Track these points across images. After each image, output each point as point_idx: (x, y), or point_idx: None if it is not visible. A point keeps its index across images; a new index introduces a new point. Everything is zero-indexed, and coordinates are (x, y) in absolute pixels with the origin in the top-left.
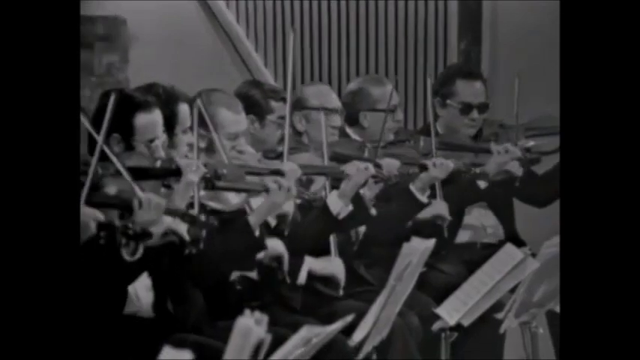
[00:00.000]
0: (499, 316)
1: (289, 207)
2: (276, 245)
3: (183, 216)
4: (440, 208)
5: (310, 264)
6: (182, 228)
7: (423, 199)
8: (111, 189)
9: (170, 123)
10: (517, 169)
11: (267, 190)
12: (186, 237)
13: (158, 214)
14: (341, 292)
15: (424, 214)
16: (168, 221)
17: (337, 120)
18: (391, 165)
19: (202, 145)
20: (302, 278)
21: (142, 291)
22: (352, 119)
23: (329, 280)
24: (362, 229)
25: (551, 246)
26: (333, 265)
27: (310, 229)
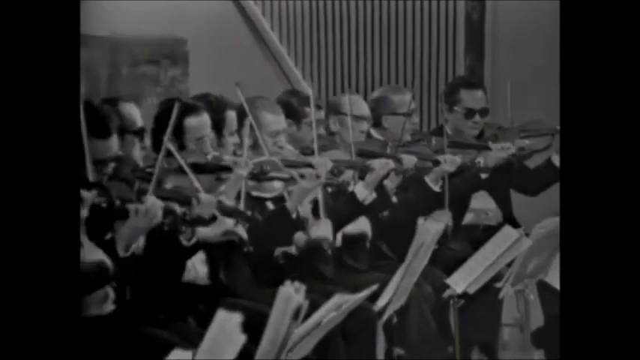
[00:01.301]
0: (498, 285)
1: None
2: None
3: (240, 214)
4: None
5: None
6: (241, 230)
7: (436, 188)
8: (170, 184)
9: (219, 126)
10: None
11: (301, 176)
12: (246, 238)
13: (212, 210)
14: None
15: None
16: (230, 223)
17: (365, 125)
18: (409, 160)
19: (248, 142)
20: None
21: (198, 263)
22: (376, 122)
23: (357, 256)
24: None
25: (542, 227)
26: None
27: (341, 212)
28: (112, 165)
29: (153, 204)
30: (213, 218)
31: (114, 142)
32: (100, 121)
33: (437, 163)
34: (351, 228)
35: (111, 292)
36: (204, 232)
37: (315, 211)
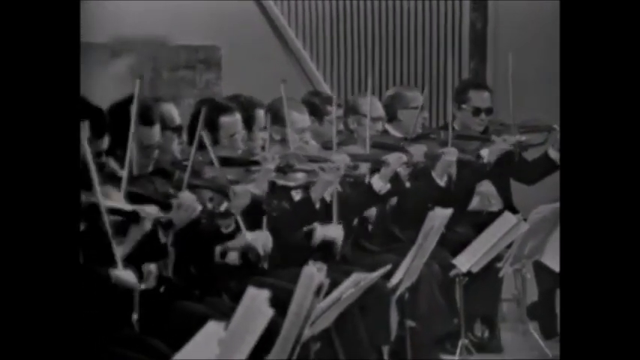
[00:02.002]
0: (499, 264)
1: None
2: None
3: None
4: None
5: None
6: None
7: (441, 183)
8: (208, 174)
9: (249, 124)
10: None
11: (322, 169)
12: (262, 253)
13: (246, 201)
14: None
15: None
16: (249, 237)
17: (380, 125)
18: (418, 150)
19: (278, 137)
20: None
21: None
22: (391, 116)
23: (372, 239)
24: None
25: (538, 213)
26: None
27: (358, 201)
28: (156, 151)
29: (187, 198)
30: (237, 230)
31: (157, 130)
32: (146, 111)
33: (440, 156)
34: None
35: (153, 269)
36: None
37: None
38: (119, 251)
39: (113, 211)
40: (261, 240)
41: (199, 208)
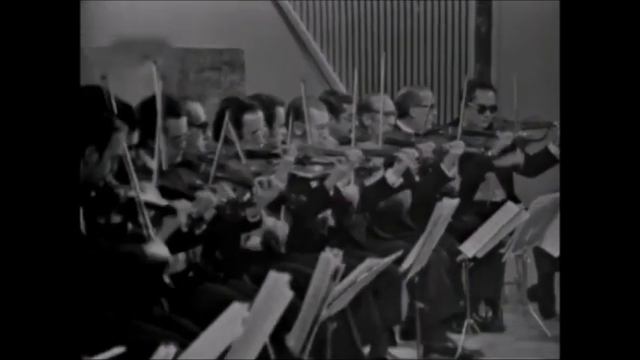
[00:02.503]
0: (502, 250)
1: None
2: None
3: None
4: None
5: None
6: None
7: (450, 174)
8: (232, 168)
9: (270, 121)
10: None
11: (340, 161)
12: (281, 238)
13: (275, 195)
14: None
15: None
16: (271, 223)
17: (392, 119)
18: (427, 146)
19: (298, 133)
20: None
21: (253, 234)
22: (403, 113)
23: (385, 227)
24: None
25: (538, 203)
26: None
27: (373, 193)
28: (184, 142)
29: (206, 196)
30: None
31: (184, 122)
32: (173, 105)
33: (448, 150)
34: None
35: (181, 255)
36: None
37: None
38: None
39: (149, 205)
40: (279, 227)
41: (215, 202)
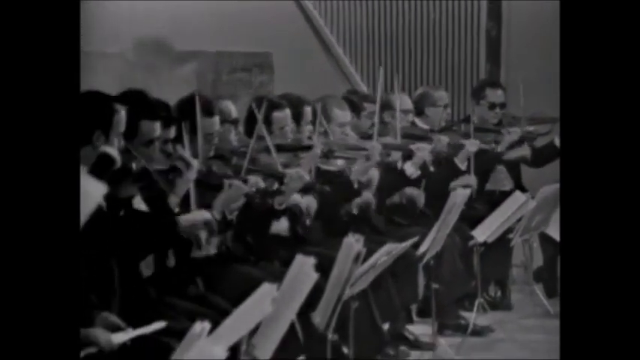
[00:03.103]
0: (510, 236)
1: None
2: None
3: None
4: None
5: None
6: (309, 202)
7: (463, 167)
8: (262, 161)
9: (297, 118)
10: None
11: (367, 158)
12: (304, 211)
13: (301, 184)
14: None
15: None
16: (297, 198)
17: (410, 116)
18: (442, 140)
19: (322, 129)
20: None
21: (282, 220)
22: (419, 112)
23: (404, 214)
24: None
25: (543, 192)
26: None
27: (392, 184)
28: (216, 139)
29: (237, 185)
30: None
31: (216, 120)
32: (208, 105)
33: (462, 146)
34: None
35: (214, 240)
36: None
37: None
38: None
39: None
40: (306, 201)
41: (245, 191)
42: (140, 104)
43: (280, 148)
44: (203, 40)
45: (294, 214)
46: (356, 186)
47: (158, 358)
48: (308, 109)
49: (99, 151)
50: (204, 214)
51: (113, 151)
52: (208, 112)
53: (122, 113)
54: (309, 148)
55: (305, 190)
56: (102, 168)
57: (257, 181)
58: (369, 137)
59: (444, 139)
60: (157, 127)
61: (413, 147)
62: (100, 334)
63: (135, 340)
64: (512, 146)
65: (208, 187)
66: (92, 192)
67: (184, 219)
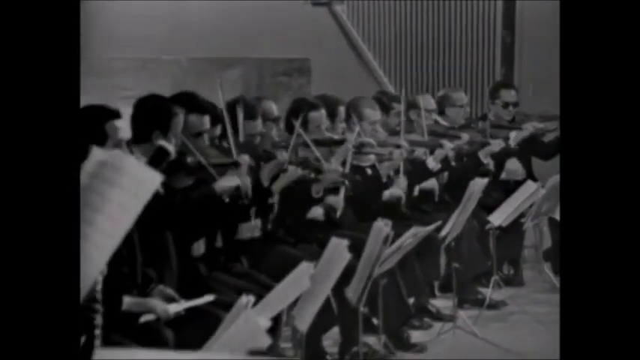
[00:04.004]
0: (522, 220)
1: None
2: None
3: (345, 176)
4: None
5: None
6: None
7: (485, 161)
8: (301, 154)
9: (332, 117)
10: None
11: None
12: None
13: (337, 175)
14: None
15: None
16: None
17: (433, 115)
18: (463, 138)
19: (355, 127)
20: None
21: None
22: (441, 111)
23: (425, 201)
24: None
25: (552, 181)
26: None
27: (416, 176)
28: (258, 138)
29: (293, 169)
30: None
31: (259, 122)
32: (251, 109)
33: (487, 144)
34: (424, 185)
35: (258, 223)
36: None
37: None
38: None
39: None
40: (337, 201)
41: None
42: (191, 103)
43: (317, 143)
44: (247, 48)
45: (328, 205)
46: (384, 180)
47: (208, 327)
48: (341, 109)
49: (156, 145)
50: (235, 180)
51: (169, 145)
52: (251, 115)
53: (180, 116)
54: (341, 142)
55: (338, 180)
56: (158, 160)
57: (297, 171)
58: (397, 134)
59: (465, 137)
60: (205, 121)
61: (440, 143)
62: (157, 304)
63: (188, 311)
64: (525, 141)
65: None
66: (148, 180)
67: (218, 185)
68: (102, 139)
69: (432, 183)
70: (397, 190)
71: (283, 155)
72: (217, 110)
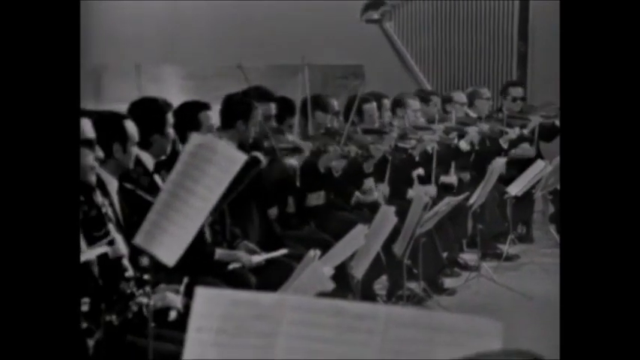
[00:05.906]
0: (533, 191)
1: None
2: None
3: (390, 154)
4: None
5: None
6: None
7: (504, 146)
8: (355, 138)
9: (380, 108)
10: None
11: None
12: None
13: (380, 156)
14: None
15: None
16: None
17: (465, 107)
18: (484, 127)
19: (400, 115)
20: None
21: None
22: (470, 104)
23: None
24: None
25: (556, 161)
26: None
27: (449, 157)
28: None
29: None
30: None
31: (329, 116)
32: (325, 104)
33: (505, 132)
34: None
35: (322, 193)
36: None
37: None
38: None
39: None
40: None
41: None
42: (260, 93)
43: (369, 131)
44: (313, 56)
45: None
46: (417, 159)
47: (283, 274)
48: (386, 101)
49: (241, 131)
50: (295, 162)
51: (261, 156)
52: (324, 108)
53: (258, 109)
54: (384, 132)
55: (385, 158)
56: (252, 165)
57: (353, 149)
58: (434, 121)
59: (485, 126)
60: (272, 107)
61: (468, 129)
62: (242, 255)
63: (267, 261)
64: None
65: None
66: (236, 159)
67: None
68: (197, 126)
69: (452, 179)
70: (449, 178)
71: (336, 149)
72: (294, 106)
